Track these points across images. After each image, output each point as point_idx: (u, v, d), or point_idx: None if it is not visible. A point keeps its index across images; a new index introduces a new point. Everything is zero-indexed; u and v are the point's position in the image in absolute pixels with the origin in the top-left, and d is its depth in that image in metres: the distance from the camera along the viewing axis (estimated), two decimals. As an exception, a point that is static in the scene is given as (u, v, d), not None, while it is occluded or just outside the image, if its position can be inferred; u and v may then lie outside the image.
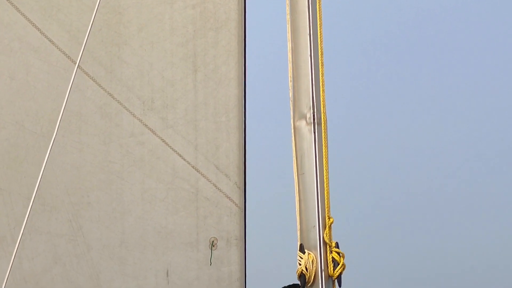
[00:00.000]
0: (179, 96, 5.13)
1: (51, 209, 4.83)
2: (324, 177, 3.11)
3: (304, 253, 3.09)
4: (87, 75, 5.03)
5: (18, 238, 4.45)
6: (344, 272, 3.06)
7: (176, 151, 5.11)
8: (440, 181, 8.46)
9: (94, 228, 5.03)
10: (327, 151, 3.10)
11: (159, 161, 5.12)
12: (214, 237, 5.18)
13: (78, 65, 4.91)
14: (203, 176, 5.11)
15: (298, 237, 3.15)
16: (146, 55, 5.13)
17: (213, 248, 5.19)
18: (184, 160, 5.11)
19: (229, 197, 5.12)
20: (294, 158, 3.18)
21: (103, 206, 5.06)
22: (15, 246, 4.35)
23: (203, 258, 5.17)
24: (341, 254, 3.08)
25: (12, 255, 4.34)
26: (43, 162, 4.88)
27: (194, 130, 5.12)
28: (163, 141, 5.10)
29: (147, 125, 5.11)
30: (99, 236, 5.04)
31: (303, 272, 3.07)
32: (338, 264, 3.07)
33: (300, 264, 3.09)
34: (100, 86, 5.02)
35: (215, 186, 5.11)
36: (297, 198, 3.17)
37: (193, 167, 5.11)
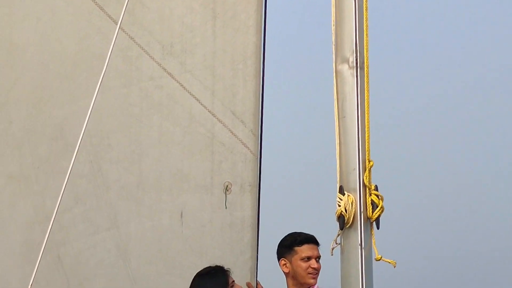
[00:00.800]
0: (198, 42, 5.16)
1: (73, 150, 4.86)
2: (366, 121, 3.18)
3: (343, 195, 3.16)
4: (110, 18, 5.04)
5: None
6: (382, 215, 3.14)
7: (193, 95, 5.15)
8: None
9: (113, 169, 5.08)
10: (369, 95, 3.17)
11: (177, 105, 5.16)
12: (229, 182, 5.25)
13: (101, 8, 4.94)
14: (220, 122, 5.16)
15: (338, 179, 3.21)
16: (166, 0, 5.15)
17: (227, 192, 5.26)
18: (201, 105, 5.15)
19: (245, 144, 5.17)
20: (335, 102, 3.23)
21: (122, 148, 5.11)
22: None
23: (217, 202, 5.24)
24: (380, 197, 3.16)
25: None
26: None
27: (211, 76, 5.16)
28: (181, 85, 5.14)
29: (166, 69, 5.14)
30: (117, 177, 5.10)
31: (342, 213, 3.14)
32: (377, 207, 3.14)
33: (339, 206, 3.15)
34: (122, 30, 5.03)
35: (231, 132, 5.16)
36: (337, 141, 3.22)
37: (209, 112, 5.16)
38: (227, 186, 5.26)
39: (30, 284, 3.75)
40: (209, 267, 4.76)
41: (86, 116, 4.27)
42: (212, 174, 5.25)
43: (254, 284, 5.18)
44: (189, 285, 5.15)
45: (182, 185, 5.23)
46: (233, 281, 4.70)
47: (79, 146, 4.11)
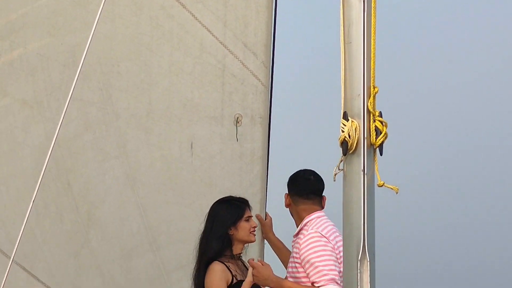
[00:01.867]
0: (210, -29, 5.10)
1: (84, 77, 4.86)
2: (372, 47, 3.15)
3: (347, 120, 3.14)
4: None
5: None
6: (385, 141, 3.13)
7: (205, 26, 5.11)
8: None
9: (122, 98, 5.09)
10: (376, 21, 3.13)
11: (188, 35, 5.13)
12: (239, 114, 5.24)
13: None
14: (231, 53, 5.13)
15: (342, 105, 3.19)
16: None
17: (237, 124, 5.25)
18: (212, 35, 5.11)
19: (256, 75, 5.15)
20: (342, 27, 3.19)
21: (132, 77, 5.11)
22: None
23: (227, 133, 5.24)
24: (384, 123, 3.14)
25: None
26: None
27: (223, 6, 5.10)
28: (193, 15, 5.09)
29: (177, -1, 5.09)
30: (127, 106, 5.11)
31: (346, 139, 3.13)
32: (381, 133, 3.12)
33: (343, 132, 3.14)
34: (133, -42, 4.99)
35: (242, 64, 5.14)
36: (342, 67, 3.20)
37: (221, 43, 5.12)
38: (237, 118, 5.26)
39: (32, 200, 3.76)
40: (231, 196, 4.80)
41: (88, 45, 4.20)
42: (223, 106, 5.24)
43: (263, 216, 5.20)
44: (197, 215, 5.20)
45: (192, 115, 5.23)
46: (250, 216, 4.72)
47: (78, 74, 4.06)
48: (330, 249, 4.37)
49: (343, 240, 3.17)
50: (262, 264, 4.45)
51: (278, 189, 5.08)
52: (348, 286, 3.07)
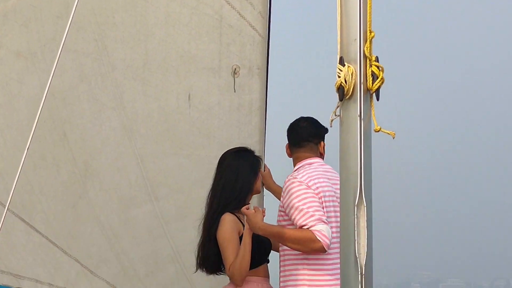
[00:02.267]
0: None
1: (78, 28, 4.81)
2: (368, -9, 3.10)
3: (343, 65, 3.11)
4: None
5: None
6: (382, 86, 3.10)
7: (201, -25, 5.04)
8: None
9: (118, 49, 5.04)
10: (372, -36, 3.07)
11: (184, -15, 5.07)
12: (237, 65, 5.21)
13: None
14: (227, 3, 5.07)
15: (338, 50, 3.15)
16: None
17: (235, 76, 5.22)
18: (208, -15, 5.05)
19: (253, 26, 5.10)
20: (338, -29, 3.14)
21: (128, 27, 5.05)
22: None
23: (225, 84, 5.21)
24: (380, 68, 3.10)
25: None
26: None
27: (219, -45, 5.04)
28: (189, -35, 5.03)
29: (172, -52, 5.03)
30: (123, 57, 5.06)
31: (342, 84, 3.09)
32: (377, 78, 3.09)
33: (339, 77, 3.10)
34: None
35: (239, 14, 5.08)
36: (338, 12, 3.15)
37: (217, -7, 5.06)
38: (235, 69, 5.22)
39: (26, 148, 3.75)
40: (244, 147, 4.78)
41: None
42: (220, 57, 5.20)
43: (262, 168, 5.20)
44: (195, 166, 5.19)
45: (189, 67, 5.19)
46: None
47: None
48: (311, 193, 4.31)
49: (340, 186, 3.15)
50: (255, 211, 4.40)
51: (277, 140, 5.07)
52: (345, 232, 3.07)
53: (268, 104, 5.28)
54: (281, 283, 4.43)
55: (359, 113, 3.10)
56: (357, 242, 3.02)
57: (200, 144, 5.18)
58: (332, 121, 3.21)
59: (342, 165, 3.14)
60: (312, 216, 4.18)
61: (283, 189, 4.43)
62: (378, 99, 3.15)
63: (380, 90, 3.15)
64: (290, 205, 4.30)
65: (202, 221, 4.57)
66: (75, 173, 4.91)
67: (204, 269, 4.59)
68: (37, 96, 4.35)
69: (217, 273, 4.60)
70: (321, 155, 4.60)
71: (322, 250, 4.15)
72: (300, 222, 4.21)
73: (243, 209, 4.41)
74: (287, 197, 4.35)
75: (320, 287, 4.27)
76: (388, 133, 3.16)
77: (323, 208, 4.26)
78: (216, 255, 4.49)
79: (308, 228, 4.17)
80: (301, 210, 4.23)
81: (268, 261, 4.62)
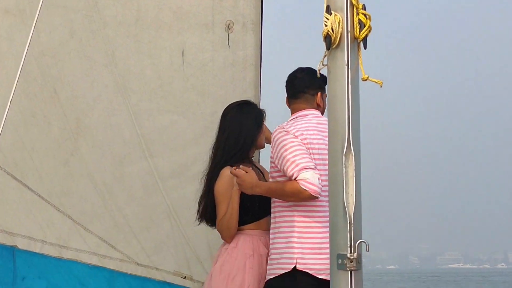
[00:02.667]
0: None
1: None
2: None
3: (330, 14, 3.06)
4: None
5: (36, 11, 4.42)
6: (369, 35, 3.05)
7: None
8: None
9: (109, 5, 4.98)
10: None
11: None
12: (230, 20, 5.16)
13: None
14: (219, -43, 5.03)
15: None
16: None
17: (229, 31, 5.17)
18: None
19: (245, -20, 5.05)
20: None
21: (118, -17, 5.00)
22: (34, 20, 4.30)
23: (219, 40, 5.16)
24: (367, 16, 3.04)
25: (31, 28, 4.31)
26: None
27: None
28: None
29: None
30: (114, 13, 5.01)
31: (329, 33, 3.04)
32: (365, 26, 3.04)
33: (326, 25, 3.06)
34: None
35: (231, -32, 5.03)
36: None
37: None
38: (229, 24, 5.17)
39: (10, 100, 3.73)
40: (247, 100, 4.75)
41: None
42: (213, 12, 5.15)
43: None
44: (189, 123, 5.16)
45: (182, 23, 5.14)
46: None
47: None
48: (297, 142, 4.24)
49: (328, 135, 3.12)
50: (246, 172, 4.37)
51: (271, 95, 5.03)
52: (333, 181, 3.05)
53: (262, 60, 5.24)
54: (271, 234, 4.41)
55: (346, 62, 3.06)
56: (346, 192, 3.00)
57: (195, 101, 5.14)
58: (319, 70, 3.17)
59: (330, 115, 3.11)
60: (297, 165, 4.13)
61: (272, 140, 4.39)
62: (365, 48, 3.10)
63: (368, 38, 3.09)
64: (278, 155, 4.27)
65: (206, 172, 4.58)
66: (67, 130, 4.86)
67: (203, 221, 4.60)
68: (27, 54, 4.30)
69: (215, 225, 4.60)
70: (319, 107, 4.51)
71: (312, 198, 4.11)
72: (290, 172, 4.16)
73: (232, 170, 4.39)
74: (275, 147, 4.31)
75: (311, 234, 4.24)
76: (376, 82, 3.12)
77: (312, 158, 4.21)
78: (214, 207, 4.50)
79: (294, 179, 4.13)
80: (288, 160, 4.18)
81: (269, 214, 4.60)
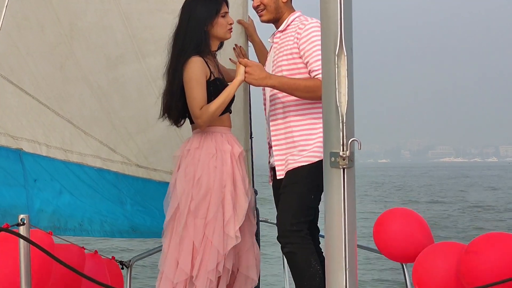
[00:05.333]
0: None
1: None
2: None
3: None
4: None
5: None
6: None
7: None
8: None
9: None
10: None
11: None
12: None
13: None
14: None
15: None
16: None
17: None
18: None
19: None
20: None
21: None
22: None
23: None
24: None
25: None
26: None
27: None
28: None
29: None
30: None
31: None
32: None
33: None
34: None
35: None
36: None
37: None
38: None
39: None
40: None
41: None
42: None
43: (246, 20, 5.16)
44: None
45: None
46: (227, 12, 4.64)
47: None
48: None
49: (321, 35, 3.12)
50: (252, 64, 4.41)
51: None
52: (326, 80, 3.07)
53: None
54: (275, 131, 4.57)
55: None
56: (338, 91, 3.03)
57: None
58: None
59: (322, 14, 3.10)
60: None
61: (305, 29, 4.48)
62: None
63: None
64: (310, 47, 4.41)
65: (166, 68, 4.55)
66: (61, 34, 4.83)
67: (167, 117, 4.59)
68: None
69: (179, 121, 4.64)
70: None
71: None
72: (314, 67, 4.37)
73: (241, 60, 4.44)
74: (310, 39, 4.44)
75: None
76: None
77: None
78: (179, 101, 4.48)
79: (316, 76, 4.35)
80: (318, 54, 4.27)
81: (230, 111, 4.68)
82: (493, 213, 34.56)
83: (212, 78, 4.51)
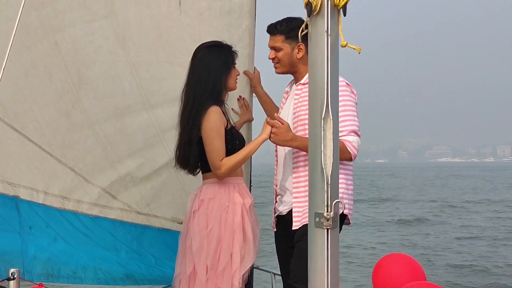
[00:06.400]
0: None
1: None
2: None
3: (311, -13, 3.15)
4: None
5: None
6: (349, 3, 3.14)
7: None
8: None
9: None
10: None
11: None
12: (227, -30, 5.19)
13: None
14: None
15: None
16: None
17: (225, -20, 5.21)
18: None
19: None
20: None
21: None
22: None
23: (215, -12, 5.20)
24: (346, -11, 3.14)
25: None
26: None
27: None
28: None
29: None
30: None
31: (310, 0, 3.15)
32: (344, -6, 3.13)
33: (307, -7, 3.15)
34: None
35: None
36: None
37: None
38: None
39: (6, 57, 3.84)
40: (217, 41, 4.76)
41: None
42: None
43: (252, 71, 5.27)
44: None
45: (178, -28, 5.17)
46: (235, 63, 4.75)
47: None
48: (355, 101, 4.49)
49: (309, 99, 3.25)
50: (282, 124, 4.42)
51: (266, 43, 5.10)
52: (312, 142, 3.19)
53: (257, 6, 5.28)
54: (296, 178, 4.58)
55: (326, 29, 3.16)
56: (324, 153, 3.15)
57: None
58: (301, 34, 3.28)
59: (310, 79, 3.23)
60: (350, 125, 4.38)
61: None
62: (345, 15, 3.20)
63: (347, 6, 3.19)
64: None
65: (179, 120, 4.59)
66: (68, 82, 4.93)
67: (184, 166, 4.62)
68: (26, 5, 4.32)
69: (197, 170, 4.68)
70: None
71: (349, 160, 4.40)
72: (340, 128, 4.28)
73: (269, 119, 4.43)
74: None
75: (352, 191, 4.57)
76: (354, 48, 3.24)
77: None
78: (196, 154, 4.53)
79: (341, 136, 4.29)
80: (341, 116, 4.27)
81: None
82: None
83: (229, 126, 4.60)
